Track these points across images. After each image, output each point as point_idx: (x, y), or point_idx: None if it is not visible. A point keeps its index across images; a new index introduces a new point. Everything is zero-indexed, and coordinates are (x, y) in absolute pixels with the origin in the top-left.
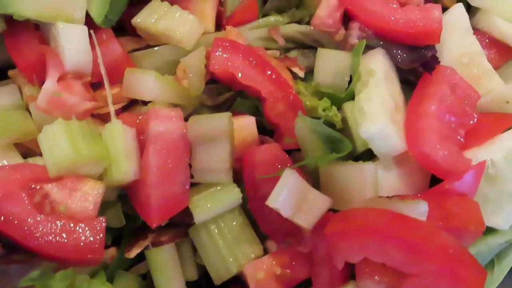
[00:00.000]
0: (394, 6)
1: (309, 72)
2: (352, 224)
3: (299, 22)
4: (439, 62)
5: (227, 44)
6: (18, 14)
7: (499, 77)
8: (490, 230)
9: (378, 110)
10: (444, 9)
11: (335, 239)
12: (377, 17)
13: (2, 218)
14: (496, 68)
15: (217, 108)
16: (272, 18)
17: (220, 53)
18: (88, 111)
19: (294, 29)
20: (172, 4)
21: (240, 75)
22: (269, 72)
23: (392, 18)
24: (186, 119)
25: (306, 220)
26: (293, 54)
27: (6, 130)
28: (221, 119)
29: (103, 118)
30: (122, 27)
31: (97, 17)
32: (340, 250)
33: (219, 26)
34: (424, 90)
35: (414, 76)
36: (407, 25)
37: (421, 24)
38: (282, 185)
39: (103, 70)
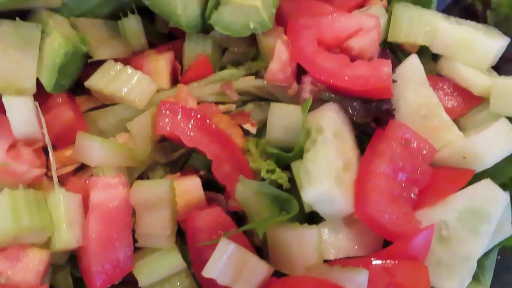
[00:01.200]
0: (344, 61)
1: (265, 125)
2: None
3: (256, 74)
4: (393, 116)
5: (172, 107)
6: None
7: (459, 129)
8: None
9: (322, 173)
10: (407, 54)
11: None
12: (327, 73)
13: None
14: (460, 116)
15: (172, 165)
16: (227, 72)
17: (165, 117)
18: (37, 178)
19: (248, 83)
20: (126, 63)
21: (184, 138)
22: (215, 134)
23: (342, 75)
24: (141, 177)
25: None
26: (249, 107)
27: None
28: (162, 187)
29: (59, 179)
30: (81, 84)
31: (47, 85)
32: None
33: (176, 80)
34: (376, 147)
35: (371, 129)
36: (355, 82)
37: (369, 81)
38: (218, 255)
39: (47, 140)
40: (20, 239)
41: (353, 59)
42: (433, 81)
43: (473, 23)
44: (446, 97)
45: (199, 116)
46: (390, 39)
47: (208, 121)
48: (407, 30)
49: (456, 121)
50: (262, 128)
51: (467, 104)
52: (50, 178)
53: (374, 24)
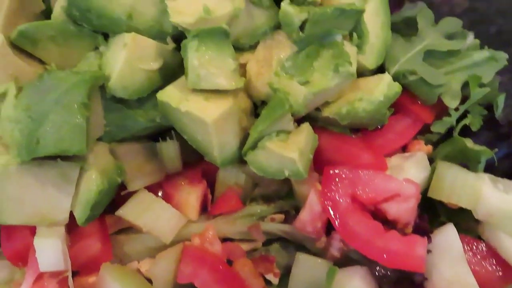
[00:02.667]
0: (376, 230)
1: (289, 272)
2: None
3: (286, 212)
4: None
5: (195, 256)
6: (3, 222)
7: None
8: None
9: None
10: (447, 209)
11: None
12: (356, 239)
13: None
14: None
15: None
16: (257, 208)
17: (186, 267)
18: None
19: (276, 227)
20: (158, 188)
21: None
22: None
23: (372, 245)
24: None
25: None
26: (274, 247)
27: None
28: None
29: None
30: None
31: (79, 219)
32: None
33: (205, 208)
34: None
35: None
36: (385, 257)
37: (401, 259)
38: None
39: (70, 280)
40: None
41: (387, 222)
42: (472, 244)
43: None
44: (484, 265)
45: (220, 267)
46: (431, 195)
47: (229, 271)
48: (449, 191)
49: None
50: (285, 275)
51: (506, 278)
52: None
53: (413, 193)
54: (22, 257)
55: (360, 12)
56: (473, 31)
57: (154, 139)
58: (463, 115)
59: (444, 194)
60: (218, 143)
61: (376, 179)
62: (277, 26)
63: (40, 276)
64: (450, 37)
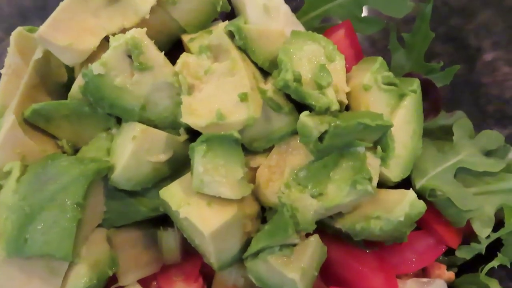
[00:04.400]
0: None
1: None
2: None
3: None
4: None
5: None
6: None
7: None
8: None
9: None
10: None
11: None
12: None
13: None
14: None
15: None
16: None
17: None
18: None
19: None
20: (152, 279)
21: None
22: None
23: None
24: None
25: None
26: None
27: None
28: None
29: None
30: None
31: None
32: None
33: None
34: None
35: None
36: None
37: None
38: None
39: None
40: None
41: None
42: None
43: None
44: None
45: None
46: None
47: None
48: None
49: None
50: None
51: None
52: None
53: None
54: None
55: (387, 128)
56: None
57: (155, 222)
58: (495, 242)
59: None
60: (216, 251)
61: None
62: (295, 132)
63: None
64: (488, 153)
